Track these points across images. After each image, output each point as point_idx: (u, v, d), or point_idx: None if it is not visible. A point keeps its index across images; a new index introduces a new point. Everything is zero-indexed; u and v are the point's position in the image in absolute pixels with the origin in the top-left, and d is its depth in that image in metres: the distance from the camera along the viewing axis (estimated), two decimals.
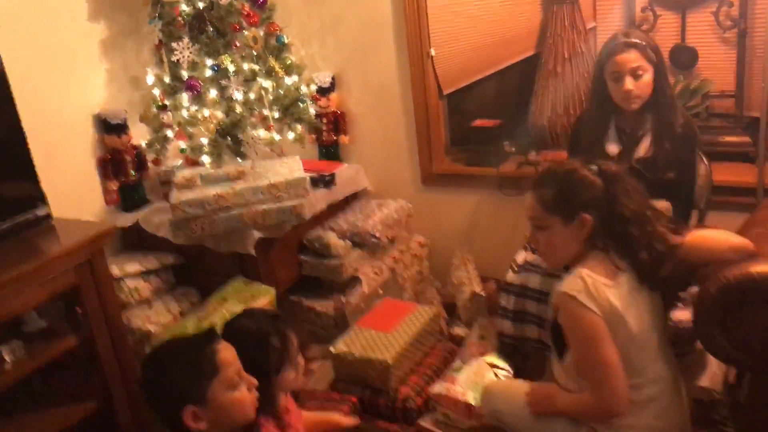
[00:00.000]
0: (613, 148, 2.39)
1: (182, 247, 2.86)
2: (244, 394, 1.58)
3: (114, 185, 3.00)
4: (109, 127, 2.94)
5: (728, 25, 2.64)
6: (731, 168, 2.69)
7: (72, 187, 2.78)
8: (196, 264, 2.93)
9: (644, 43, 2.26)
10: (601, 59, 2.34)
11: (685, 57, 2.75)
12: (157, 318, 2.72)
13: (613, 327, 1.72)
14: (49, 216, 2.18)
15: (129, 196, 3.05)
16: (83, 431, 2.16)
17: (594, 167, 1.83)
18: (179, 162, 3.13)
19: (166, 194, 3.09)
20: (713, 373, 2.33)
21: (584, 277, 1.74)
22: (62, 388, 2.18)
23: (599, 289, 1.72)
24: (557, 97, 2.96)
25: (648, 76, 2.26)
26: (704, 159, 2.45)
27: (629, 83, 2.24)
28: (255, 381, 1.63)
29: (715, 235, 1.90)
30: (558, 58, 2.91)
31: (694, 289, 2.22)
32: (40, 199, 2.15)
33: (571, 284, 1.75)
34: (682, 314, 2.18)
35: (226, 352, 1.57)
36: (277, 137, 2.96)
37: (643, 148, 2.34)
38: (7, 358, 1.93)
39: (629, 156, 2.34)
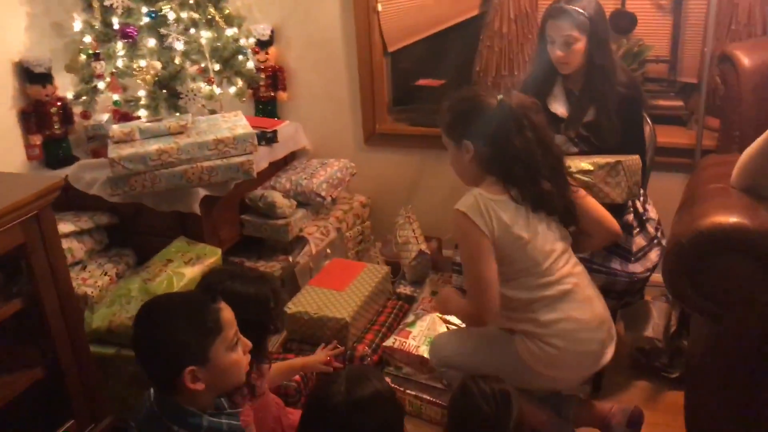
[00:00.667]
0: (560, 109, 2.42)
1: (116, 206, 2.70)
2: (241, 356, 1.53)
3: (37, 140, 2.79)
4: (31, 77, 2.71)
5: None
6: (665, 130, 2.81)
7: None
8: (131, 224, 2.77)
9: (580, 12, 2.24)
10: (543, 20, 2.36)
11: (624, 22, 2.84)
12: (93, 280, 2.56)
13: (505, 238, 1.82)
14: None
15: (53, 152, 2.84)
16: (30, 399, 2.02)
17: (499, 97, 1.86)
18: (107, 116, 2.94)
19: (95, 150, 2.91)
20: (656, 323, 2.47)
21: (476, 196, 1.83)
22: (7, 355, 2.01)
23: (489, 206, 1.82)
24: (502, 58, 2.98)
25: (580, 45, 2.27)
26: (648, 121, 2.55)
27: (558, 50, 2.28)
28: (250, 343, 1.57)
29: (600, 207, 2.03)
30: (504, 19, 2.92)
31: (641, 242, 2.34)
32: None
33: (464, 201, 1.85)
34: (635, 267, 2.29)
35: (228, 312, 1.50)
36: (217, 91, 2.84)
37: (591, 114, 2.38)
38: None
39: (576, 123, 2.38)
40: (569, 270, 1.92)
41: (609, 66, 2.31)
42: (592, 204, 2.02)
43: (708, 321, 1.88)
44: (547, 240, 1.88)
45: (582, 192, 2.01)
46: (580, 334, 1.90)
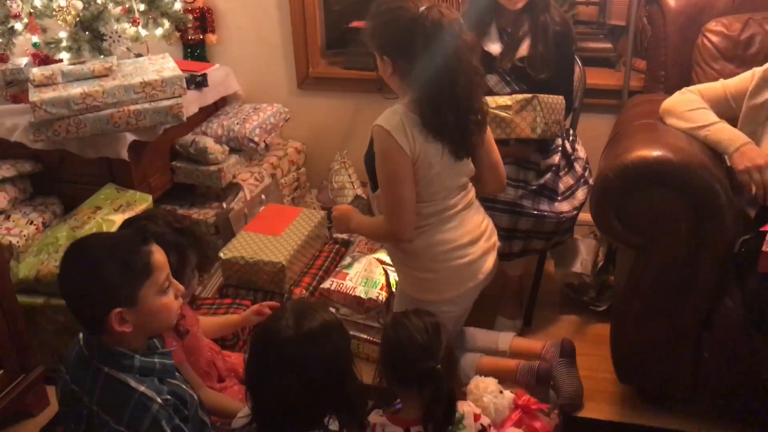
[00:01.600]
0: (494, 48, 2.43)
1: (39, 154, 2.60)
2: (171, 300, 1.50)
3: None
4: None
5: None
6: (594, 72, 2.87)
7: None
8: (56, 171, 2.67)
9: None
10: None
11: None
12: (18, 230, 2.47)
13: (420, 159, 1.81)
14: None
15: None
16: None
17: (422, 8, 1.75)
18: (26, 59, 2.81)
19: (14, 96, 2.77)
20: (584, 259, 2.55)
21: (401, 116, 1.79)
22: None
23: (412, 127, 1.79)
24: None
25: None
26: (578, 62, 2.59)
27: None
28: (182, 288, 1.55)
29: (496, 154, 2.03)
30: None
31: (569, 182, 2.40)
32: None
33: (388, 119, 1.81)
34: (562, 206, 2.34)
35: (159, 255, 1.47)
36: (143, 32, 2.74)
37: (524, 48, 2.40)
38: None
39: (511, 56, 2.40)
40: (454, 197, 1.94)
41: None
42: (492, 149, 2.01)
43: (633, 252, 1.95)
44: (453, 170, 1.89)
45: (488, 134, 1.99)
46: (454, 252, 1.94)
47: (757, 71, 1.97)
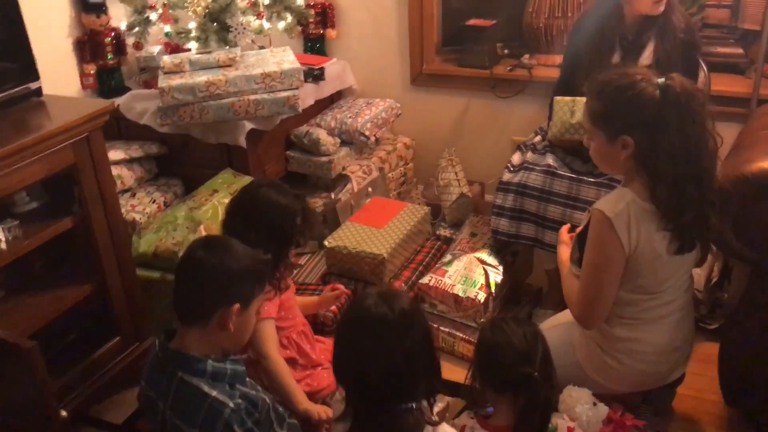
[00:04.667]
0: (615, 57, 2.37)
1: (166, 137, 2.77)
2: (254, 322, 1.62)
3: (91, 69, 2.85)
4: (86, 6, 2.76)
5: None
6: (723, 78, 2.73)
7: (49, 68, 2.60)
8: (179, 154, 2.83)
9: None
10: None
11: None
12: (141, 207, 2.65)
13: (644, 254, 1.68)
14: (40, 90, 2.05)
15: (106, 82, 2.91)
16: (79, 314, 2.12)
17: (660, 80, 1.62)
18: (158, 48, 2.99)
19: (146, 81, 2.96)
20: (697, 273, 2.43)
21: (629, 202, 1.66)
22: (58, 271, 2.11)
23: (640, 218, 1.66)
24: None
25: None
26: (704, 67, 2.48)
27: None
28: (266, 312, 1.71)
29: None
30: None
31: None
32: (34, 72, 2.01)
33: (611, 204, 1.68)
34: None
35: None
36: (267, 25, 2.85)
37: (647, 56, 2.32)
38: (2, 236, 1.85)
39: (635, 59, 2.33)
40: (675, 295, 1.80)
41: (673, 2, 2.28)
42: None
43: (750, 269, 1.85)
44: (684, 259, 1.73)
45: None
46: (648, 356, 1.82)
47: None
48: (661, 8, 2.23)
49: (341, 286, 2.23)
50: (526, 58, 3.01)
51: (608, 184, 2.24)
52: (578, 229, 1.85)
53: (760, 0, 2.63)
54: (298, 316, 2.08)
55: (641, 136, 1.63)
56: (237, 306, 1.50)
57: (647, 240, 1.66)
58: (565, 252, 1.92)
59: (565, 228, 2.00)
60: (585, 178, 2.28)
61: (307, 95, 2.89)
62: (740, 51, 2.77)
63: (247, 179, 2.66)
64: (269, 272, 1.71)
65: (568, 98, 2.32)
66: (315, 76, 2.98)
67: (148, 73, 2.98)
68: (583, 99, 1.79)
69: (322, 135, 2.85)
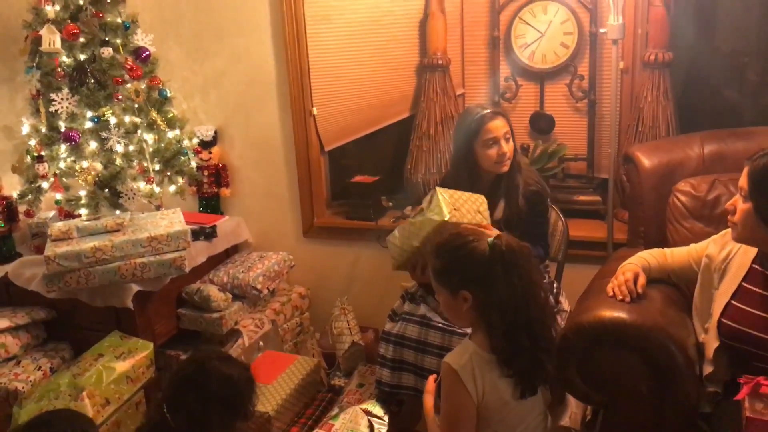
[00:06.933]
0: None
1: (55, 302, 2.78)
2: None
3: None
4: None
5: (580, 96, 2.94)
6: (585, 224, 2.96)
7: None
8: (68, 318, 2.84)
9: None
10: (469, 130, 2.45)
11: (543, 123, 3.03)
12: (25, 375, 2.61)
13: (491, 402, 1.77)
14: None
15: None
16: None
17: (489, 240, 1.77)
18: (51, 214, 3.06)
19: (38, 247, 3.00)
20: (573, 412, 2.53)
21: (471, 354, 1.76)
22: None
23: (483, 368, 1.76)
24: (430, 157, 3.15)
25: (512, 141, 2.47)
26: (561, 216, 2.70)
27: (505, 146, 2.42)
28: None
29: None
30: (431, 121, 3.12)
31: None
32: None
33: (457, 357, 1.78)
34: None
35: None
36: (157, 189, 2.97)
37: (500, 211, 2.52)
38: None
39: (491, 213, 2.51)
40: None
41: (519, 159, 2.51)
42: None
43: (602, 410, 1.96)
44: (530, 403, 1.81)
45: None
46: None
47: (712, 238, 2.04)
48: (505, 168, 2.44)
49: None
50: (408, 210, 3.20)
51: None
52: (437, 380, 1.94)
53: (609, 152, 2.92)
54: None
55: (476, 290, 1.75)
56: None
57: (492, 388, 1.75)
58: (429, 401, 2.00)
59: (431, 378, 2.09)
60: (456, 329, 2.39)
61: (199, 253, 2.98)
62: (598, 198, 3.04)
63: (134, 341, 2.68)
64: None
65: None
66: (207, 234, 3.09)
67: (41, 238, 3.02)
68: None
69: (212, 291, 2.91)
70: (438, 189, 2.27)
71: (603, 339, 1.85)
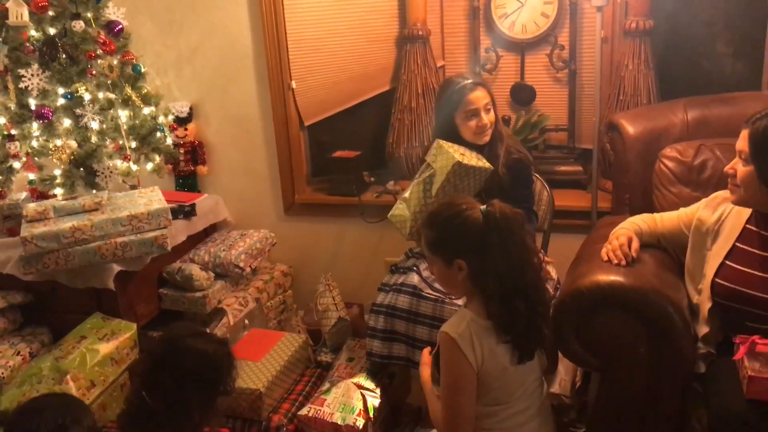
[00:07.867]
0: None
1: (31, 285, 2.70)
2: None
3: None
4: None
5: (560, 66, 2.94)
6: (567, 194, 2.98)
7: None
8: (47, 302, 2.76)
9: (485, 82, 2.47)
10: (450, 102, 2.45)
11: (524, 94, 3.03)
12: (4, 360, 2.53)
13: (490, 368, 1.77)
14: None
15: None
16: None
17: (482, 207, 1.77)
18: (24, 195, 2.96)
19: (10, 229, 2.91)
20: (562, 379, 2.55)
21: (468, 322, 1.76)
22: None
23: (481, 335, 1.76)
24: (412, 130, 3.13)
25: (493, 111, 2.47)
26: (546, 186, 2.71)
27: (485, 117, 2.43)
28: None
29: None
30: (412, 94, 3.09)
31: None
32: None
33: (454, 326, 1.77)
34: None
35: None
36: (134, 167, 2.90)
37: None
38: None
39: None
40: (529, 402, 1.86)
41: (501, 128, 2.51)
42: None
43: (598, 374, 1.98)
44: (527, 367, 1.81)
45: None
46: None
47: (702, 202, 2.07)
48: (486, 138, 2.44)
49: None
50: (391, 185, 3.19)
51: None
52: (433, 351, 1.93)
53: (590, 122, 2.94)
54: None
55: (472, 259, 1.75)
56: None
57: (491, 354, 1.76)
58: (426, 372, 1.99)
59: (426, 350, 2.08)
60: (447, 299, 2.39)
61: (179, 232, 2.91)
62: (579, 168, 3.05)
63: (117, 322, 2.62)
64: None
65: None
66: (186, 212, 3.03)
67: (13, 220, 2.92)
68: None
69: (194, 270, 2.86)
70: (439, 141, 2.39)
71: (601, 303, 1.86)
